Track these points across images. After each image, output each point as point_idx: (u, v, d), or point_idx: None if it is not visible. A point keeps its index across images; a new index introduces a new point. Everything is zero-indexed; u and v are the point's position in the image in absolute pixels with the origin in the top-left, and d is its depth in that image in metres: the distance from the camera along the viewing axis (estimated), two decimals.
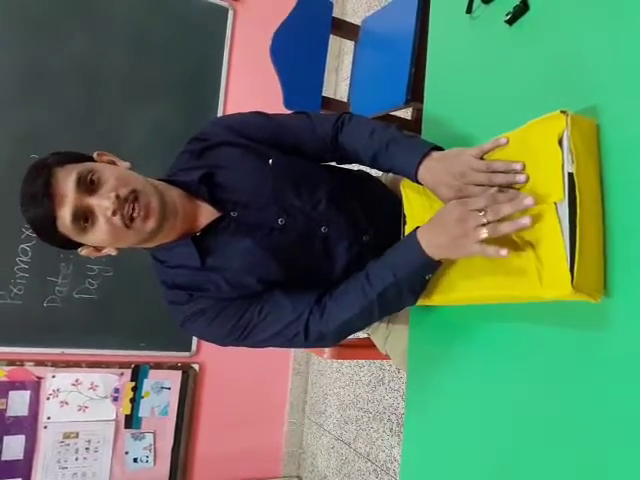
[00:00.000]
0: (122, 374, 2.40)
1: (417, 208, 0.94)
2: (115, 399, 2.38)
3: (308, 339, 0.90)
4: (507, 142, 0.73)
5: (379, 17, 1.68)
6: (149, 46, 2.52)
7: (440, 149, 0.84)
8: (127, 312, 2.41)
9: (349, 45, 1.84)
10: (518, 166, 0.70)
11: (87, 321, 2.36)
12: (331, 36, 1.71)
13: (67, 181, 0.82)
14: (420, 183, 0.84)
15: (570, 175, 0.64)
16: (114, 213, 0.82)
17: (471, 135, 0.88)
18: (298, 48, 1.63)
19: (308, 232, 0.95)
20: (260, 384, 2.73)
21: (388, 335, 1.10)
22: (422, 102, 1.04)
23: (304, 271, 0.95)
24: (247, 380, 2.68)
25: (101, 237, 0.85)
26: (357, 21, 1.79)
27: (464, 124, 0.93)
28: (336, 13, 1.73)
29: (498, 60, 0.89)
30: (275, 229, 0.93)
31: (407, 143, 0.88)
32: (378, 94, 1.60)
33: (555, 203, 0.65)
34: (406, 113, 1.70)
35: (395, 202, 0.99)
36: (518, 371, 0.73)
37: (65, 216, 0.81)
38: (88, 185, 0.83)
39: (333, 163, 1.05)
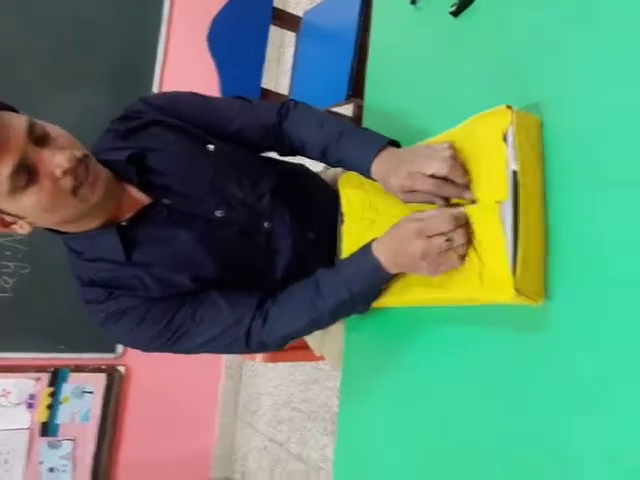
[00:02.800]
0: (39, 379, 2.22)
1: (355, 206, 0.91)
2: (30, 406, 2.20)
3: (249, 346, 0.84)
4: (470, 198, 0.69)
5: (321, 9, 1.64)
6: (80, 28, 2.35)
7: (397, 146, 0.81)
8: (45, 312, 2.24)
9: (292, 36, 1.79)
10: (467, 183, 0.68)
11: (1, 322, 2.17)
12: (273, 27, 1.66)
13: (17, 125, 0.70)
14: (372, 178, 0.80)
15: (514, 173, 0.63)
16: (65, 173, 0.72)
17: (414, 132, 0.86)
18: (237, 36, 1.56)
19: (250, 226, 0.89)
20: (190, 385, 2.62)
21: (324, 337, 1.07)
22: (363, 98, 1.02)
23: (243, 269, 0.89)
24: (177, 381, 2.56)
25: (38, 202, 0.72)
26: (300, 12, 1.75)
27: (407, 121, 0.91)
28: (277, 3, 1.67)
29: (443, 53, 0.87)
30: (213, 221, 0.86)
31: (362, 136, 0.84)
32: (319, 89, 1.56)
33: (498, 202, 0.64)
34: (347, 110, 1.68)
35: (337, 199, 0.96)
36: (456, 374, 0.71)
37: (3, 167, 0.68)
38: (39, 135, 0.72)
39: (274, 155, 1.00)
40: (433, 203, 0.71)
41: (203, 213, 0.86)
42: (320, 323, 0.84)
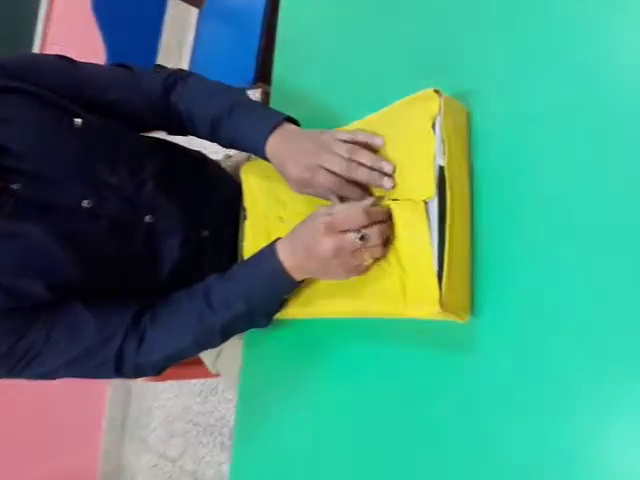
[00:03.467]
0: None
1: (259, 200, 0.78)
2: None
3: (121, 370, 0.69)
4: (383, 144, 0.61)
5: None
6: None
7: (297, 124, 0.70)
8: None
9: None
10: (388, 167, 0.59)
11: None
12: (174, 4, 1.48)
13: None
14: (267, 159, 0.69)
15: (441, 169, 0.54)
16: None
17: (328, 120, 0.76)
18: (128, 6, 1.37)
19: (126, 220, 0.72)
20: (72, 397, 2.32)
21: (219, 353, 0.93)
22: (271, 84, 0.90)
23: (118, 274, 0.72)
24: (56, 393, 2.24)
25: None
26: None
27: (319, 108, 0.81)
28: None
29: (359, 33, 0.79)
30: (78, 213, 0.68)
31: (256, 110, 0.72)
32: (221, 72, 1.41)
33: (425, 201, 0.54)
34: (254, 96, 1.54)
35: (238, 192, 0.83)
36: (367, 394, 0.63)
37: None
38: None
39: (162, 134, 0.84)
40: (327, 198, 0.63)
41: (64, 203, 0.67)
42: (210, 342, 0.70)
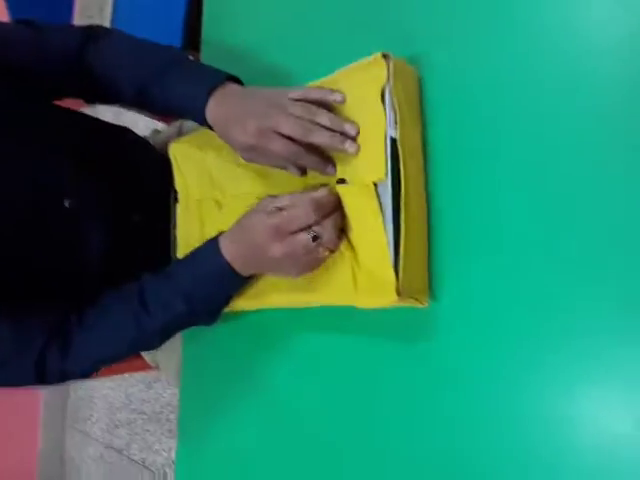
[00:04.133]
0: None
1: (192, 181, 0.71)
2: None
3: (44, 379, 0.61)
4: (343, 100, 0.53)
5: None
6: None
7: (240, 84, 0.62)
8: None
9: None
10: (351, 128, 0.51)
11: None
12: None
13: None
14: (208, 126, 0.60)
15: (393, 142, 0.49)
16: None
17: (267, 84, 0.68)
18: None
19: (39, 207, 0.62)
20: (7, 391, 2.17)
21: None
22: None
23: (31, 270, 0.62)
24: None
25: None
26: None
27: (254, 72, 0.72)
28: None
29: None
30: None
31: (193, 69, 0.64)
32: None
33: (375, 183, 0.49)
34: None
35: (171, 172, 0.75)
36: (322, 382, 0.59)
37: None
38: None
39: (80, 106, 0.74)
40: (283, 168, 0.56)
41: None
42: (149, 344, 0.65)
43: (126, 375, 2.11)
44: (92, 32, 0.69)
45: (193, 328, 0.73)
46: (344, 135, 0.51)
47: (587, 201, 0.43)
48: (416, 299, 0.49)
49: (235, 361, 0.70)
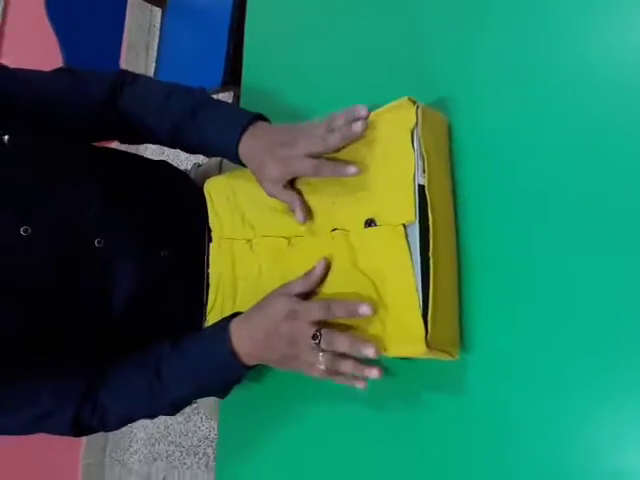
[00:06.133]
0: None
1: (225, 219, 0.71)
2: None
3: (78, 434, 0.62)
4: (367, 115, 0.52)
5: None
6: None
7: (268, 122, 0.64)
8: None
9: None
10: (363, 111, 0.52)
11: None
12: (139, 3, 1.40)
13: None
14: (242, 164, 0.62)
15: (421, 188, 0.47)
16: None
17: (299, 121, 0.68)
18: (84, 6, 1.28)
19: (72, 247, 0.62)
20: None
21: None
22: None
23: (62, 315, 0.61)
24: None
25: None
26: None
27: (289, 110, 0.75)
28: None
29: (330, 35, 0.72)
30: (12, 247, 0.57)
31: (223, 110, 0.65)
32: (190, 74, 1.33)
33: (404, 225, 0.48)
34: (225, 99, 1.47)
35: (205, 207, 0.74)
36: (354, 426, 0.57)
37: None
38: None
39: (115, 144, 0.76)
40: (292, 209, 0.59)
41: None
42: (162, 412, 0.64)
43: None
44: (122, 78, 0.72)
45: None
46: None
47: (621, 251, 0.40)
48: (446, 351, 0.46)
49: (274, 396, 0.68)
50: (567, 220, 0.43)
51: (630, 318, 0.39)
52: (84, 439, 2.32)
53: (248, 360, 0.57)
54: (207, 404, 0.88)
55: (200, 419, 1.94)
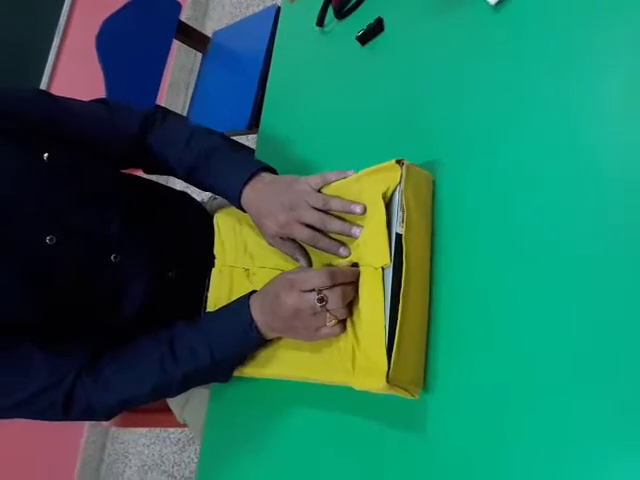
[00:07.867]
0: None
1: (228, 248, 0.76)
2: None
3: (69, 412, 0.64)
4: (353, 174, 0.60)
5: (232, 31, 1.53)
6: None
7: (273, 171, 0.70)
8: None
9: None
10: (358, 209, 0.58)
11: None
12: (185, 47, 1.52)
13: None
14: (243, 210, 0.68)
15: (398, 237, 0.52)
16: None
17: (306, 169, 0.76)
18: (132, 45, 1.39)
19: (90, 258, 0.69)
20: (45, 436, 2.19)
21: (186, 402, 0.88)
22: None
23: (75, 313, 0.68)
24: (27, 430, 2.10)
25: None
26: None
27: (298, 158, 0.81)
28: (197, 24, 1.54)
29: (346, 84, 0.79)
30: (40, 251, 0.64)
31: (233, 156, 0.72)
32: (220, 115, 1.42)
33: (382, 268, 0.52)
34: (250, 141, 1.55)
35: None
36: (320, 459, 0.59)
37: None
38: None
39: (140, 173, 0.83)
40: (295, 259, 0.65)
41: (27, 241, 0.64)
42: (168, 391, 0.66)
43: (162, 435, 2.11)
44: (154, 117, 0.79)
45: (218, 388, 0.75)
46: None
47: (587, 303, 0.42)
48: (406, 390, 0.49)
49: (255, 425, 0.69)
50: (532, 282, 0.46)
51: (585, 365, 0.41)
52: (78, 463, 2.31)
53: (265, 331, 0.61)
54: (197, 428, 0.90)
55: (194, 450, 1.93)
